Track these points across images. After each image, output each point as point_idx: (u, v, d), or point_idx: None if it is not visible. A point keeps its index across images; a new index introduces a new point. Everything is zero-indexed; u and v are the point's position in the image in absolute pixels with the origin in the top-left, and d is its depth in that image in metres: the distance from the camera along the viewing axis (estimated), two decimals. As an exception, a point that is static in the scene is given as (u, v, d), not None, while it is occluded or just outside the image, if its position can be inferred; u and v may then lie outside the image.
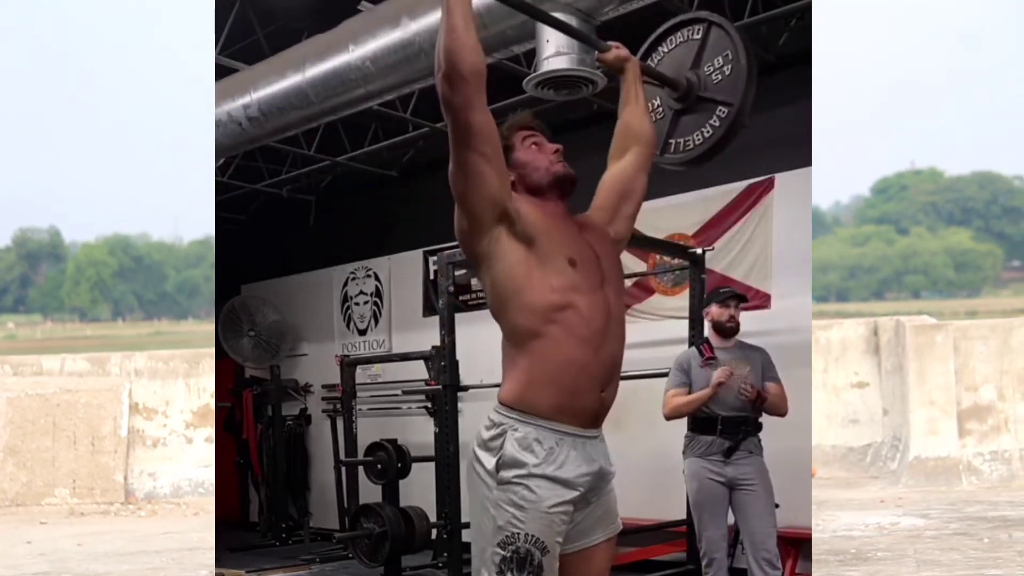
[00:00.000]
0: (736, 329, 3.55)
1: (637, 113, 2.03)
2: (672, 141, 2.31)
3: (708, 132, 2.23)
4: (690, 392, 3.48)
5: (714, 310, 3.56)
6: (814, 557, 3.36)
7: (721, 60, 2.22)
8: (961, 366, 4.68)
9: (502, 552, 1.66)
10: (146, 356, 5.44)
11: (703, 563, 3.53)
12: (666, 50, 2.34)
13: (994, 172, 24.49)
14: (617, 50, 2.07)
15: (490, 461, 1.69)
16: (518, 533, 1.66)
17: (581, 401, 1.72)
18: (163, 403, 5.31)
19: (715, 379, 3.38)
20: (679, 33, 2.32)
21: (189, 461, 5.26)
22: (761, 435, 3.49)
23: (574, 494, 1.70)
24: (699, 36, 2.27)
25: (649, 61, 2.34)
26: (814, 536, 3.63)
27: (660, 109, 2.32)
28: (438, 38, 1.67)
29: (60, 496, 5.06)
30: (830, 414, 5.06)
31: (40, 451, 5.07)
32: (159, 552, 3.97)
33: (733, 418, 3.40)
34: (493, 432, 1.72)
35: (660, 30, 2.35)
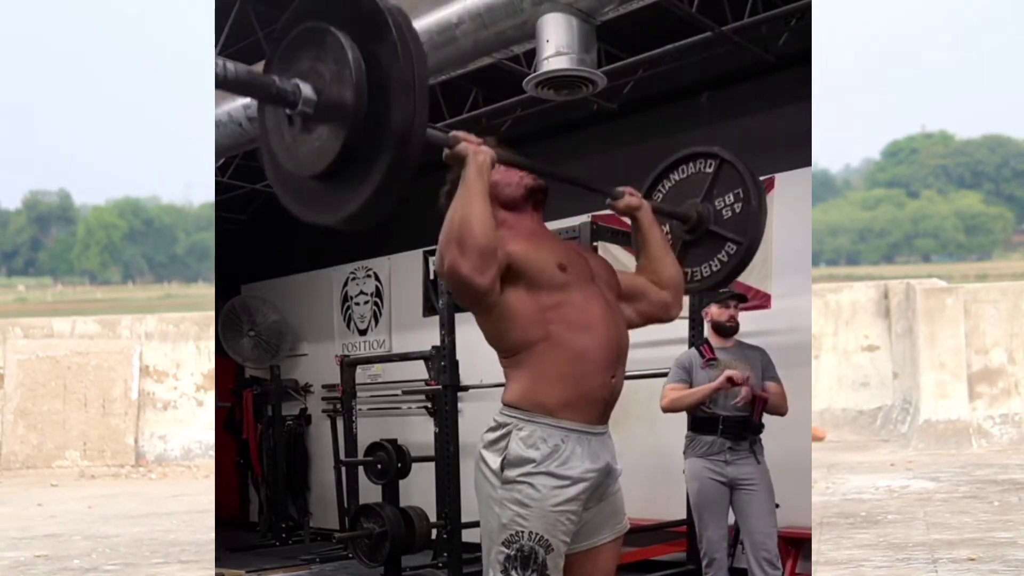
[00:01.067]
0: (736, 329, 3.54)
1: (659, 260, 2.00)
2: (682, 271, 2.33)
3: (717, 266, 2.26)
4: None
5: (714, 310, 3.56)
6: (824, 520, 3.36)
7: (732, 197, 2.25)
8: (971, 329, 4.69)
9: (506, 550, 1.67)
10: (156, 319, 5.50)
11: (703, 563, 3.53)
12: (677, 178, 2.36)
13: (1005, 135, 24.52)
14: (629, 197, 2.03)
15: (495, 461, 1.70)
16: (522, 531, 1.66)
17: (590, 389, 1.72)
18: (173, 366, 5.36)
19: (718, 382, 3.37)
20: (691, 164, 2.34)
21: (199, 424, 5.28)
22: (761, 435, 3.49)
23: (580, 489, 1.69)
24: (711, 170, 2.29)
25: (660, 187, 2.37)
26: (823, 499, 3.64)
27: (669, 236, 2.35)
28: (449, 214, 1.64)
29: (71, 459, 5.10)
30: (840, 377, 5.08)
31: (51, 414, 5.12)
32: (169, 514, 4.01)
33: (734, 418, 3.39)
34: (498, 433, 1.72)
35: (672, 159, 2.37)
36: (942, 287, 4.88)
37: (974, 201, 23.34)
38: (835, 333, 5.11)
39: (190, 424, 5.25)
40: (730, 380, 3.35)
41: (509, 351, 1.76)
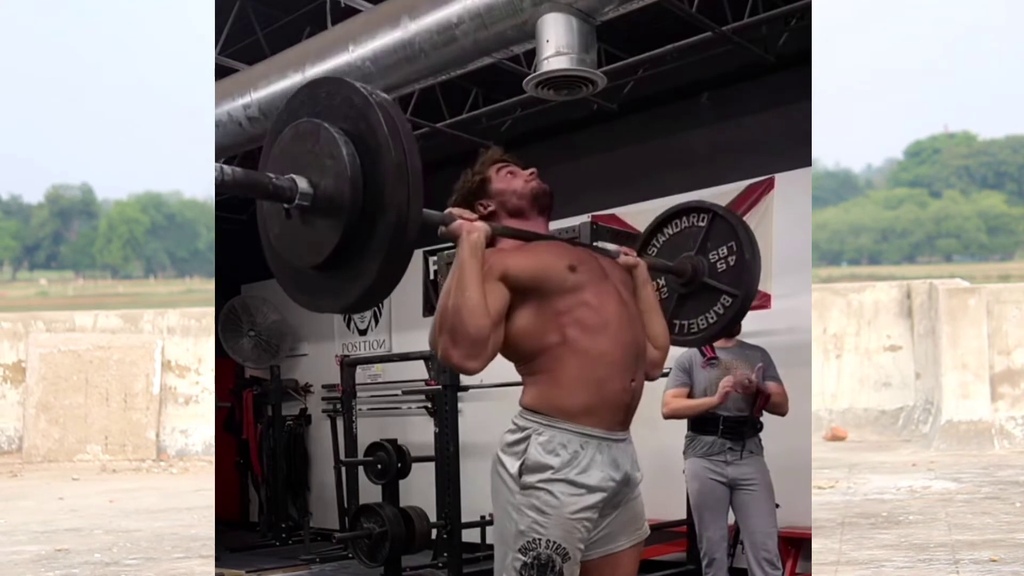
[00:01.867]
0: (738, 331, 3.55)
1: (651, 319, 1.97)
2: (677, 322, 2.35)
3: (713, 319, 2.29)
4: (691, 392, 3.49)
5: None
6: (845, 520, 3.35)
7: (726, 250, 2.28)
8: (994, 330, 4.66)
9: (523, 558, 1.65)
10: (178, 314, 5.50)
11: (703, 563, 3.53)
12: (671, 232, 2.40)
13: None
14: (626, 257, 2.02)
15: (513, 465, 1.68)
16: (539, 539, 1.65)
17: (611, 393, 1.72)
18: (195, 361, 5.36)
19: (722, 388, 3.38)
20: (685, 218, 2.38)
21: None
22: (761, 435, 3.49)
23: (597, 498, 1.69)
24: (704, 224, 2.32)
25: (654, 241, 2.40)
26: (844, 499, 3.63)
27: (665, 289, 2.38)
28: (442, 298, 1.66)
29: (92, 453, 5.10)
30: (862, 377, 5.06)
31: (73, 408, 5.12)
32: (191, 509, 4.00)
33: (735, 418, 3.39)
34: (517, 436, 1.70)
35: (665, 213, 2.40)
36: (965, 287, 4.85)
37: (997, 201, 23.29)
38: (857, 333, 5.09)
39: (211, 419, 5.27)
40: (727, 394, 3.34)
41: (524, 358, 1.75)
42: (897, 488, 3.79)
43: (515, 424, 1.72)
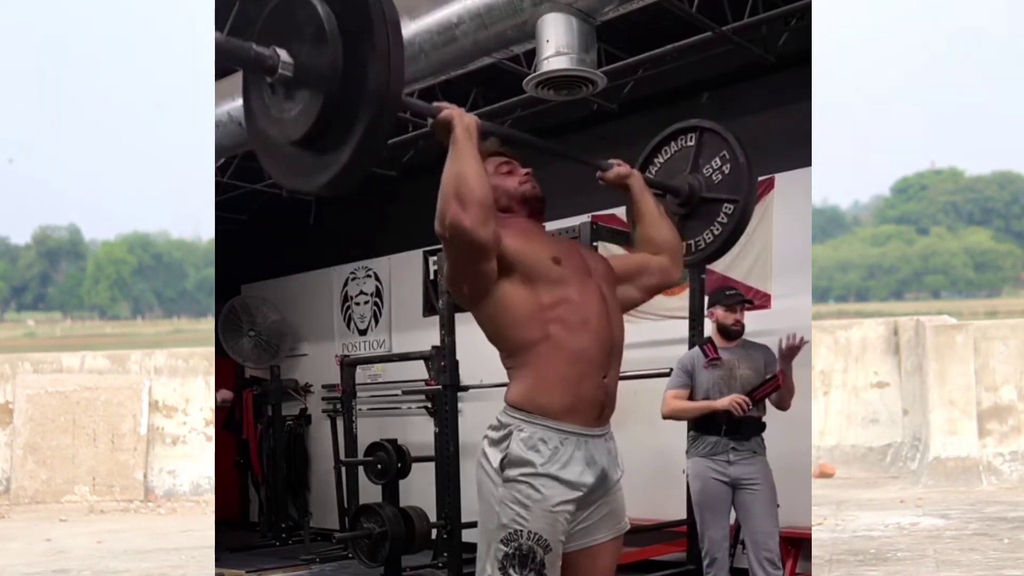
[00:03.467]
0: (741, 333, 3.56)
1: (655, 225, 2.01)
2: (683, 243, 2.30)
3: (718, 230, 2.27)
4: (692, 393, 3.49)
5: (719, 312, 3.56)
6: (833, 557, 3.36)
7: (719, 161, 2.27)
8: (981, 366, 4.68)
9: (505, 548, 1.70)
10: (166, 354, 5.48)
11: (704, 563, 3.54)
12: (662, 160, 2.38)
13: (1015, 172, 24.43)
14: (618, 167, 2.06)
15: (496, 458, 1.72)
16: (521, 531, 1.69)
17: (587, 390, 1.75)
18: (183, 401, 5.33)
19: (720, 405, 3.38)
20: (673, 143, 2.37)
21: (209, 459, 5.27)
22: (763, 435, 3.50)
23: (577, 494, 1.72)
24: (693, 142, 2.32)
25: (647, 172, 2.37)
26: (832, 536, 3.64)
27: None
28: (445, 174, 1.68)
29: (80, 493, 5.08)
30: (850, 414, 5.06)
31: (60, 448, 5.09)
32: (178, 550, 3.99)
33: (738, 418, 3.39)
34: (500, 432, 1.75)
35: (653, 142, 2.39)
36: (952, 324, 4.85)
37: (983, 238, 23.28)
38: (845, 370, 5.09)
39: (199, 459, 5.25)
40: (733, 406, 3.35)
41: (510, 350, 1.78)
42: (885, 525, 3.79)
43: (498, 420, 1.76)
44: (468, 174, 1.65)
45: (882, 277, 23.03)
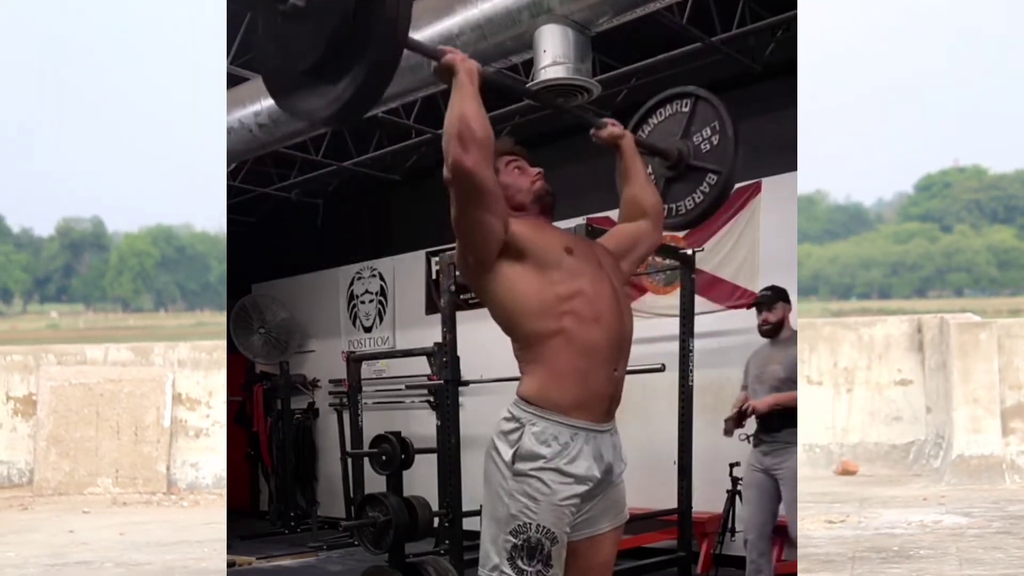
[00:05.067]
0: (770, 332, 3.76)
1: (642, 187, 2.09)
2: (664, 206, 2.36)
3: (699, 198, 2.34)
4: (746, 388, 3.81)
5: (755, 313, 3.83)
6: (856, 554, 3.34)
7: (709, 131, 2.32)
8: (1005, 364, 4.64)
9: (513, 540, 1.72)
10: (189, 347, 5.42)
11: (743, 542, 3.81)
12: (656, 121, 2.44)
13: None
14: (612, 127, 2.13)
15: (507, 452, 1.74)
16: (530, 523, 1.71)
17: (597, 385, 1.78)
18: (206, 393, 5.25)
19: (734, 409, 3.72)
20: (668, 106, 2.42)
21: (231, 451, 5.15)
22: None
23: (584, 488, 1.75)
24: (687, 109, 2.37)
25: (640, 132, 2.43)
26: (855, 533, 3.62)
27: (652, 177, 2.39)
28: (448, 116, 1.72)
29: (103, 486, 5.03)
30: (873, 411, 5.03)
31: (83, 440, 5.04)
32: (201, 542, 3.96)
33: (764, 411, 3.64)
34: (512, 425, 1.76)
35: (650, 103, 2.45)
36: (975, 322, 4.82)
37: (1007, 236, 22.83)
38: (868, 367, 5.05)
39: (222, 452, 5.16)
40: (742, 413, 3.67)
41: (524, 341, 1.79)
42: (908, 523, 3.75)
43: (511, 413, 1.78)
44: (469, 114, 1.68)
45: (905, 274, 22.62)
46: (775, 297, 3.76)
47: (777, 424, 3.62)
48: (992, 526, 3.70)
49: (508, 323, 1.81)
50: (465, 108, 1.70)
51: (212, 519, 4.47)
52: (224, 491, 5.05)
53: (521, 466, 1.73)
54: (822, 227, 22.14)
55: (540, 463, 1.72)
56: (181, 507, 4.91)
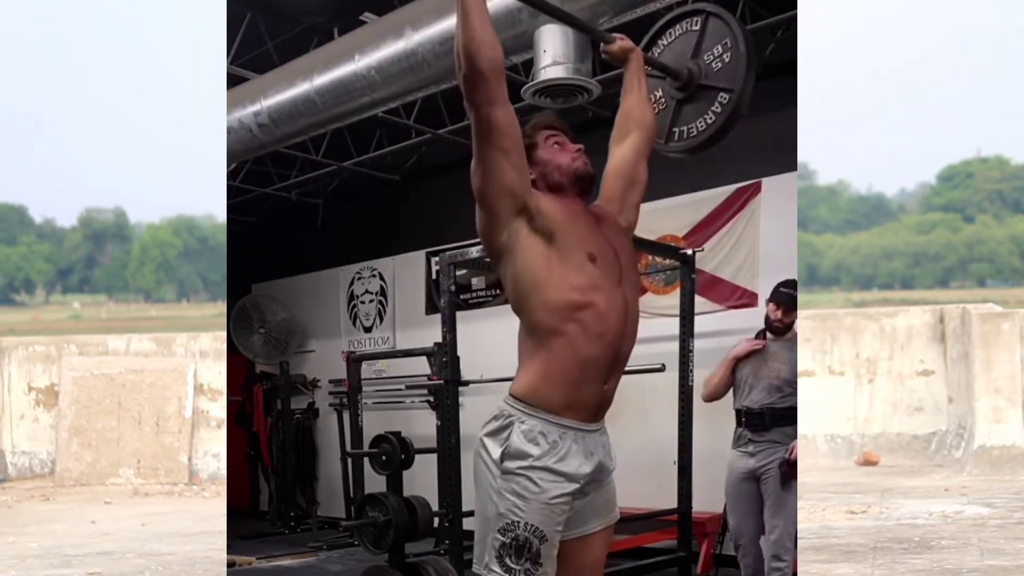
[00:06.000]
0: (781, 330, 3.64)
1: (639, 101, 2.08)
2: (676, 130, 2.32)
3: (711, 119, 2.26)
4: (735, 381, 3.65)
5: (770, 307, 3.67)
6: (878, 545, 3.33)
7: (720, 48, 2.26)
8: None
9: (502, 538, 1.72)
10: (211, 337, 5.42)
11: (735, 548, 3.69)
12: (666, 43, 2.38)
13: None
14: (621, 41, 2.12)
15: (496, 450, 1.74)
16: (518, 521, 1.71)
17: (586, 394, 1.78)
18: (227, 385, 5.26)
19: (732, 353, 3.58)
20: (678, 25, 2.36)
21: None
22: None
23: (574, 487, 1.75)
24: (698, 27, 2.30)
25: (650, 52, 2.37)
26: (877, 524, 3.62)
27: (663, 100, 2.34)
28: (456, 38, 1.69)
29: (125, 476, 5.04)
30: (895, 401, 5.03)
31: (105, 431, 5.05)
32: (222, 533, 3.97)
33: (755, 411, 3.54)
34: (501, 423, 1.76)
35: (660, 23, 2.39)
36: (998, 312, 4.81)
37: None
38: (890, 357, 5.05)
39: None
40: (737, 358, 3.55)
41: (530, 327, 1.78)
42: (930, 513, 3.75)
43: (500, 410, 1.78)
44: (471, 9, 1.66)
45: (927, 265, 22.48)
46: (795, 301, 3.68)
47: (768, 423, 3.52)
48: (1014, 516, 3.68)
49: (519, 303, 1.79)
50: (469, 34, 1.65)
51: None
52: (222, 489, 5.04)
53: (510, 465, 1.73)
54: (844, 217, 22.12)
55: (529, 461, 1.72)
56: (203, 497, 4.90)
